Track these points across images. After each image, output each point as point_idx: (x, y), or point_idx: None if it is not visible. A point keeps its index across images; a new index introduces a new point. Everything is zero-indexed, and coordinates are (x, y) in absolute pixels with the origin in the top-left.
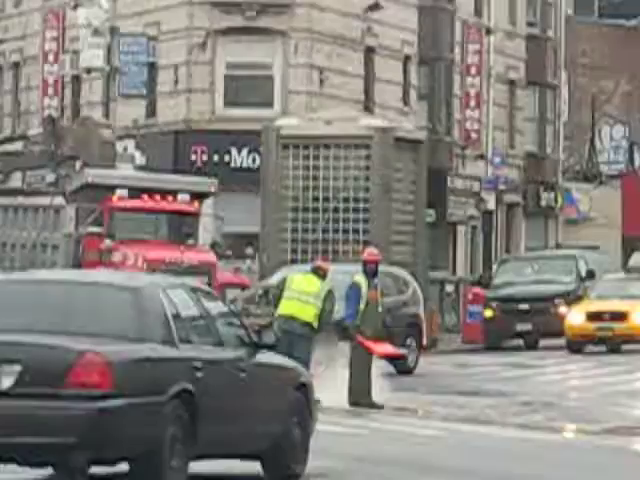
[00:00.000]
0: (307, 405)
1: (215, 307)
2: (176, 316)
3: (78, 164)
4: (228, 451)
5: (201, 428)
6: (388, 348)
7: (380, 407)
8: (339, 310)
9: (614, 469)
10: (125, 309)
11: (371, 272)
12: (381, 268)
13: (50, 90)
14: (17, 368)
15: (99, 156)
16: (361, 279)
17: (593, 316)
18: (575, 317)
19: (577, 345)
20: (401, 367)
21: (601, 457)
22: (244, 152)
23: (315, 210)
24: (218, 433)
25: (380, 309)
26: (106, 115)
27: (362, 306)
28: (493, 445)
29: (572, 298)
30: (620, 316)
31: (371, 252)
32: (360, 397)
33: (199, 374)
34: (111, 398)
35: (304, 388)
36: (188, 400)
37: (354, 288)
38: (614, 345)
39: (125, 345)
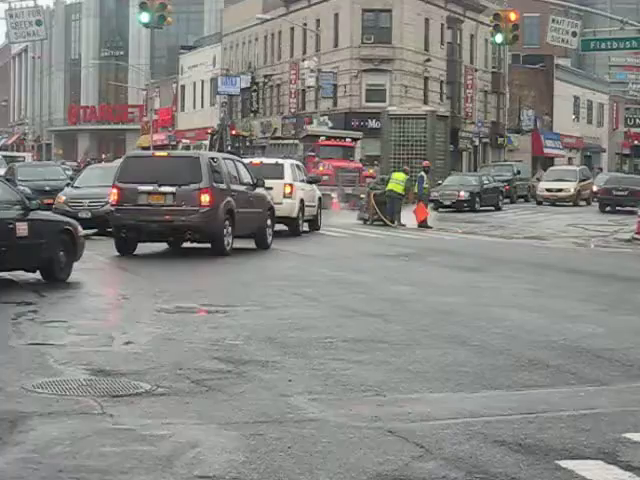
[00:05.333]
0: (71, 240)
1: None
2: None
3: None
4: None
5: None
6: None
7: (431, 227)
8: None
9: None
10: None
11: (427, 171)
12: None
13: (292, 96)
14: None
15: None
16: (424, 174)
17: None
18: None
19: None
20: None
21: (524, 247)
22: (373, 122)
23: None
24: None
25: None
26: (316, 106)
27: (425, 185)
28: (481, 243)
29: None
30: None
31: (426, 163)
32: (423, 223)
33: None
34: None
35: (69, 232)
36: None
37: (421, 178)
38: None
39: None
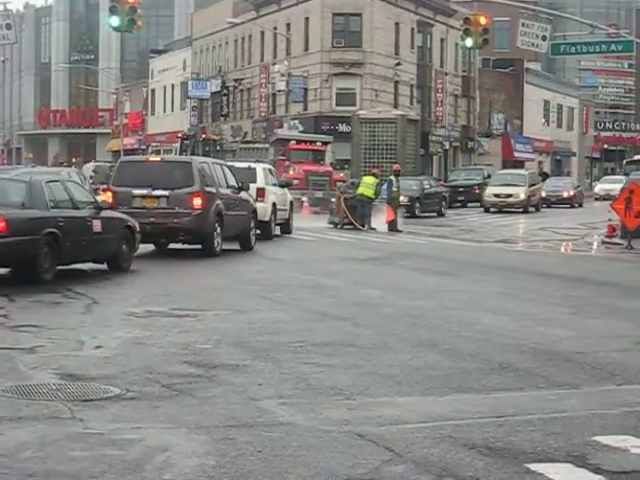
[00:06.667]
0: (131, 235)
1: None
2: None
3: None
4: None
5: None
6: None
7: (400, 231)
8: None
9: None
10: None
11: (397, 175)
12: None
13: (263, 100)
14: None
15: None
16: (393, 178)
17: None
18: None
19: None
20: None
21: (494, 250)
22: (344, 126)
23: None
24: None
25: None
26: (286, 109)
27: (394, 189)
28: (451, 247)
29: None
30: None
31: (397, 167)
32: (393, 227)
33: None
34: None
35: (130, 228)
36: None
37: (389, 182)
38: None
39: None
